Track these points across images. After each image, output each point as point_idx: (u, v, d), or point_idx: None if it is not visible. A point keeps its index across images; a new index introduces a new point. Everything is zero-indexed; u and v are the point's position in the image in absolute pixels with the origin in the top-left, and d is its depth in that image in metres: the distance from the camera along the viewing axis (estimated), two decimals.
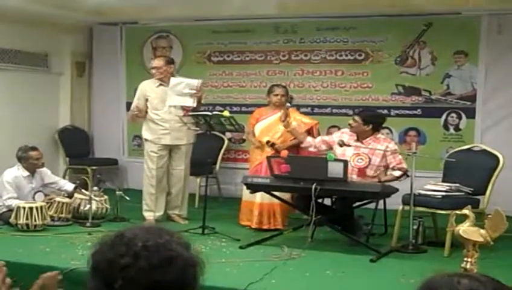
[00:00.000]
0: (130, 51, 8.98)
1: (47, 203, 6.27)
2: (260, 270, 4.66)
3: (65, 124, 8.93)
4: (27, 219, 5.94)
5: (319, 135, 6.58)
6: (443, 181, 5.84)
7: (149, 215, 6.53)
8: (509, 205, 5.81)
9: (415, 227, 5.65)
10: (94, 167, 8.45)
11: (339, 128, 7.07)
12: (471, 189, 5.65)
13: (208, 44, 8.59)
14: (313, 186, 5.20)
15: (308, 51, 8.16)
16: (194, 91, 6.35)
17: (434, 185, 5.70)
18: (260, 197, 6.26)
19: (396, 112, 7.79)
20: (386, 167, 5.87)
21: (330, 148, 6.00)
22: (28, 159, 6.41)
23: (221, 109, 7.71)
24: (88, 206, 6.35)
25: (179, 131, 6.49)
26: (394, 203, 5.78)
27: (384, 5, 7.44)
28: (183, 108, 6.43)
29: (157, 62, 6.62)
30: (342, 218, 5.80)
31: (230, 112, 6.60)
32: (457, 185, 5.63)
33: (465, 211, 4.51)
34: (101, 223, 6.33)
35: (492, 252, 4.95)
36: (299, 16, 8.05)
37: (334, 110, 8.06)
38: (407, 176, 5.70)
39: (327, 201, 6.04)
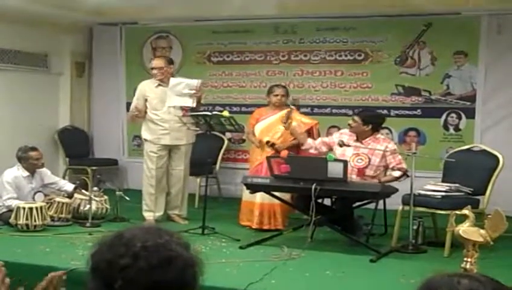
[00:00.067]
0: (130, 51, 8.98)
1: (47, 203, 6.27)
2: (260, 271, 4.66)
3: (65, 124, 8.93)
4: (27, 219, 5.94)
5: (319, 135, 6.58)
6: (443, 181, 5.85)
7: (149, 216, 6.53)
8: (509, 205, 5.81)
9: (415, 227, 5.65)
10: (94, 167, 8.45)
11: (339, 129, 7.08)
12: (471, 189, 5.65)
13: (207, 44, 8.59)
14: (313, 187, 5.20)
15: (307, 51, 8.16)
16: (193, 91, 6.35)
17: (434, 185, 5.70)
18: (260, 197, 6.26)
19: (396, 112, 7.79)
20: (386, 167, 5.87)
21: (330, 149, 6.00)
22: (28, 160, 6.41)
23: (221, 109, 7.71)
24: (88, 206, 6.35)
25: (178, 131, 6.49)
26: (394, 203, 5.79)
27: (384, 5, 7.45)
28: (182, 108, 6.43)
29: (159, 62, 6.61)
30: (342, 218, 5.80)
31: (230, 112, 6.60)
32: (457, 185, 5.63)
33: (465, 211, 4.51)
34: (101, 224, 6.33)
35: (492, 252, 4.95)
36: (299, 16, 8.05)
37: (334, 111, 8.06)
38: (407, 176, 5.70)
39: (327, 201, 6.04)
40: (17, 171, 6.40)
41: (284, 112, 6.39)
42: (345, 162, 5.35)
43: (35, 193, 6.40)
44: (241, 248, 5.53)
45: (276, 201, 6.07)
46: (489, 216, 4.53)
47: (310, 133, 6.43)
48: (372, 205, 5.68)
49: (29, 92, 8.32)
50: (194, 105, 6.38)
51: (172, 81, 6.41)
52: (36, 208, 6.00)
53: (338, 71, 8.06)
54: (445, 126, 7.65)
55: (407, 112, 7.78)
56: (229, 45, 8.50)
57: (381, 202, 5.77)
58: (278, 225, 6.34)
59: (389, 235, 5.85)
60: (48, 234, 5.91)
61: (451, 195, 5.56)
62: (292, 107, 6.30)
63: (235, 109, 8.27)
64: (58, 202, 6.37)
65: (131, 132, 8.80)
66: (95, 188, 6.62)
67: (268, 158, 5.75)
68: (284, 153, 6.06)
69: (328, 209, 5.91)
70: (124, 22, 8.93)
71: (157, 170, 6.53)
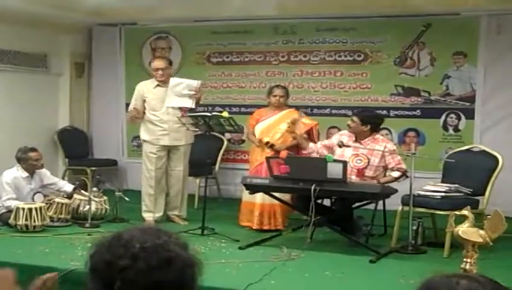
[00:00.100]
0: (129, 52, 8.98)
1: (46, 204, 6.27)
2: (259, 271, 4.66)
3: (64, 124, 8.93)
4: (26, 219, 5.94)
5: (318, 135, 6.59)
6: (442, 182, 5.85)
7: (148, 216, 6.53)
8: (509, 206, 5.81)
9: (415, 228, 5.65)
10: (93, 168, 8.45)
11: (339, 130, 7.09)
12: (471, 190, 5.65)
13: (207, 45, 8.59)
14: (312, 187, 5.20)
15: (307, 51, 8.17)
16: (193, 92, 6.36)
17: (433, 186, 5.70)
18: (261, 197, 6.26)
19: (396, 112, 7.79)
20: (385, 168, 5.87)
21: (331, 151, 6.00)
22: (28, 160, 6.41)
23: (221, 109, 7.72)
24: (87, 207, 6.35)
25: (177, 132, 6.49)
26: (393, 203, 5.79)
27: (383, 6, 7.44)
28: (180, 108, 6.43)
29: (162, 63, 6.61)
30: (342, 219, 5.80)
31: (230, 113, 6.60)
32: (456, 185, 5.63)
33: (465, 212, 4.51)
34: (100, 224, 6.33)
35: (492, 253, 4.95)
36: (299, 16, 8.05)
37: (334, 111, 8.06)
38: (406, 176, 5.71)
39: (326, 202, 6.04)
40: (17, 172, 6.39)
41: (294, 116, 6.39)
42: (345, 163, 5.35)
43: (34, 194, 6.40)
44: (240, 248, 5.53)
45: (276, 201, 6.07)
46: (488, 217, 4.53)
47: (309, 133, 6.43)
48: (371, 206, 5.68)
49: (29, 92, 8.31)
50: (193, 106, 6.39)
51: (173, 81, 6.41)
52: (35, 208, 6.00)
53: (337, 72, 8.06)
54: (445, 127, 7.65)
55: (406, 113, 7.78)
56: (228, 46, 8.50)
57: (380, 202, 5.77)
58: (278, 225, 6.34)
59: (389, 235, 5.85)
60: (47, 234, 5.91)
61: (450, 195, 5.56)
62: (302, 114, 6.33)
63: (234, 109, 8.27)
64: (58, 203, 6.36)
65: (131, 133, 8.79)
66: (95, 189, 6.61)
67: (267, 159, 5.75)
68: (284, 154, 6.07)
69: (328, 210, 5.90)
70: (124, 23, 8.93)
71: (157, 171, 6.53)
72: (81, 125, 9.16)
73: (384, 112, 7.52)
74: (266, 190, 5.83)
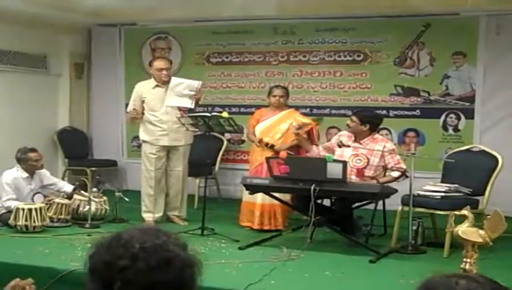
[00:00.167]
0: (129, 52, 8.98)
1: (46, 204, 6.27)
2: (259, 271, 4.66)
3: (64, 125, 8.93)
4: (26, 220, 5.94)
5: (318, 136, 6.59)
6: (442, 182, 5.85)
7: (148, 217, 6.53)
8: (508, 206, 5.81)
9: (414, 228, 5.65)
10: (93, 168, 8.45)
11: (339, 130, 7.10)
12: (470, 190, 5.65)
13: (206, 45, 8.59)
14: (312, 187, 5.20)
15: (306, 51, 8.17)
16: (193, 92, 6.36)
17: (433, 186, 5.70)
18: (261, 198, 6.26)
19: (395, 112, 7.80)
20: (385, 168, 5.87)
21: (333, 153, 6.00)
22: (27, 161, 6.41)
23: (220, 110, 7.73)
24: (87, 207, 6.35)
25: (176, 132, 6.49)
26: (393, 203, 5.79)
27: (383, 6, 7.45)
28: (179, 108, 6.44)
29: (165, 63, 6.61)
30: (341, 219, 5.80)
31: (229, 113, 6.61)
32: (456, 185, 5.63)
33: (464, 212, 4.51)
34: (100, 225, 6.33)
35: (492, 253, 4.95)
36: (298, 17, 8.05)
37: (333, 111, 8.06)
38: (406, 176, 5.70)
39: (326, 202, 6.05)
40: (17, 173, 6.39)
41: (295, 116, 6.38)
42: (344, 163, 5.35)
43: (34, 194, 6.40)
44: (240, 248, 5.52)
45: (277, 202, 6.07)
46: (488, 217, 4.53)
47: (309, 134, 6.43)
48: (371, 206, 5.68)
49: (28, 93, 8.31)
50: (193, 106, 6.39)
51: (174, 81, 6.41)
52: (35, 209, 6.00)
53: (337, 72, 8.06)
54: (445, 127, 7.65)
55: (406, 113, 7.79)
56: (228, 46, 8.50)
57: (380, 202, 5.77)
58: (279, 225, 6.35)
59: (389, 235, 5.85)
60: (47, 235, 5.91)
61: (450, 195, 5.56)
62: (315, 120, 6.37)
63: (234, 109, 8.27)
64: (58, 203, 6.36)
65: (131, 133, 8.79)
66: (94, 189, 6.62)
67: (267, 159, 5.75)
68: (283, 154, 6.06)
69: (328, 210, 5.91)
70: (123, 23, 8.93)
71: (156, 171, 6.53)
72: (80, 125, 9.16)
73: (384, 112, 7.52)
74: (266, 190, 5.83)
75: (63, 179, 7.83)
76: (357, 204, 5.71)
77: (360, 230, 5.85)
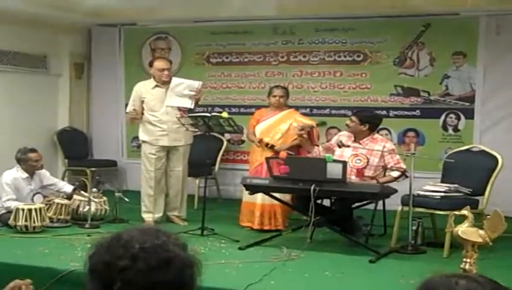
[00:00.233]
0: (129, 53, 8.98)
1: (46, 204, 6.27)
2: (259, 271, 4.66)
3: (64, 125, 8.93)
4: (26, 220, 5.94)
5: (318, 136, 6.59)
6: (442, 182, 5.85)
7: (148, 217, 6.52)
8: (508, 206, 5.81)
9: (414, 228, 5.65)
10: (93, 169, 8.45)
11: (339, 130, 7.10)
12: (470, 190, 5.65)
13: (206, 45, 8.59)
14: (312, 187, 5.20)
15: (306, 52, 8.17)
16: (193, 93, 6.37)
17: (433, 186, 5.70)
18: (261, 198, 6.27)
19: (395, 112, 7.80)
20: (385, 168, 5.87)
21: (333, 153, 6.00)
22: (27, 161, 6.41)
23: (220, 110, 7.73)
24: (87, 207, 6.35)
25: (176, 132, 6.49)
26: (393, 203, 5.79)
27: (383, 6, 7.44)
28: (179, 109, 6.44)
29: (166, 63, 6.62)
30: (341, 219, 5.80)
31: (229, 113, 6.60)
32: (456, 185, 5.63)
33: (464, 212, 4.51)
34: (100, 225, 6.33)
35: (491, 253, 4.95)
36: (298, 17, 8.05)
37: (333, 111, 8.06)
38: (406, 176, 5.70)
39: (326, 202, 6.05)
40: (16, 173, 6.40)
41: (308, 123, 6.37)
42: (344, 163, 5.35)
43: (34, 195, 6.40)
44: (240, 248, 5.52)
45: (277, 202, 6.07)
46: (488, 217, 4.53)
47: (309, 134, 6.43)
48: (371, 206, 5.68)
49: (28, 93, 8.32)
50: (192, 106, 6.39)
51: (175, 81, 6.42)
52: (35, 209, 6.00)
53: (337, 72, 8.06)
54: (444, 127, 7.65)
55: (406, 113, 7.79)
56: (228, 46, 8.50)
57: (380, 202, 5.77)
58: (279, 225, 6.35)
59: (389, 235, 5.85)
60: (47, 235, 5.91)
61: (450, 195, 5.56)
62: (314, 125, 6.33)
63: (234, 110, 8.27)
64: (57, 204, 6.36)
65: (130, 133, 8.79)
66: (94, 190, 6.62)
67: (267, 159, 5.75)
68: (283, 154, 6.06)
69: (327, 210, 5.91)
70: (123, 23, 8.93)
71: (156, 171, 6.53)
72: (80, 126, 9.16)
73: (384, 112, 7.52)
74: (266, 190, 5.83)
75: (62, 179, 7.83)
76: (357, 204, 5.71)
77: (360, 230, 5.85)
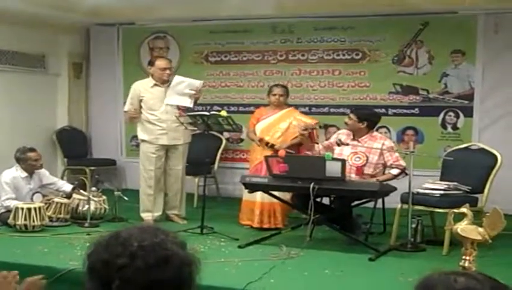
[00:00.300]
0: (127, 52, 8.98)
1: (45, 204, 6.27)
2: (259, 270, 4.66)
3: (63, 124, 8.92)
4: (25, 219, 5.94)
5: (317, 135, 6.59)
6: (441, 180, 5.85)
7: (147, 216, 6.52)
8: (507, 203, 5.82)
9: (414, 226, 5.66)
10: (92, 168, 8.46)
11: (338, 128, 7.10)
12: (469, 187, 5.65)
13: (205, 44, 8.59)
14: (311, 186, 5.20)
15: (305, 50, 8.17)
16: (193, 92, 6.37)
17: (432, 184, 5.70)
18: (261, 196, 6.27)
19: (394, 111, 7.80)
20: (385, 165, 5.87)
21: (332, 151, 6.00)
22: (27, 160, 6.41)
23: (219, 108, 7.71)
24: (86, 206, 6.35)
25: (175, 131, 6.49)
26: (393, 202, 5.79)
27: (382, 5, 7.44)
28: (178, 107, 6.44)
29: (166, 63, 6.62)
30: (341, 217, 5.80)
31: (228, 112, 6.59)
32: (455, 183, 5.63)
33: (463, 210, 4.52)
34: (99, 224, 6.33)
35: (491, 251, 4.96)
36: (297, 15, 8.05)
37: (332, 110, 8.06)
38: (406, 174, 5.70)
39: (325, 200, 6.05)
40: (16, 172, 6.40)
41: (309, 122, 6.36)
42: (343, 161, 5.35)
43: (33, 194, 6.40)
44: (239, 247, 5.53)
45: (276, 200, 6.07)
46: (487, 214, 4.54)
47: (310, 133, 6.42)
48: (370, 204, 5.68)
49: (27, 93, 8.31)
50: (192, 106, 6.39)
51: (176, 79, 6.42)
52: (34, 208, 6.00)
53: (336, 70, 8.06)
54: (443, 125, 7.65)
55: (405, 111, 7.79)
56: (226, 45, 8.50)
57: (380, 200, 5.77)
58: (278, 223, 6.35)
59: (388, 233, 5.86)
60: (47, 234, 5.91)
61: (449, 193, 5.57)
62: (315, 126, 6.32)
63: (232, 108, 8.27)
64: (57, 203, 6.36)
65: (129, 132, 8.79)
66: (94, 189, 6.62)
67: (266, 157, 5.75)
68: (282, 153, 6.06)
69: (327, 208, 5.91)
70: (121, 23, 8.93)
71: (156, 170, 6.52)
72: (79, 125, 9.16)
73: (383, 111, 7.53)
74: (265, 188, 5.83)
75: (62, 178, 7.82)
76: (356, 202, 5.70)
77: (360, 228, 5.85)
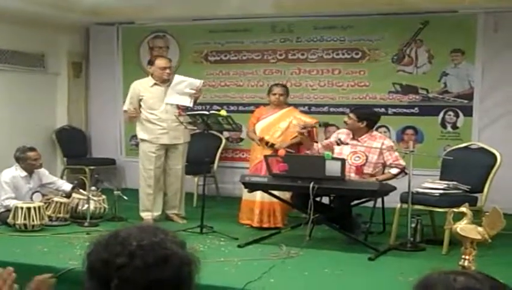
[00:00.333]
0: (127, 51, 8.98)
1: (45, 203, 6.27)
2: (258, 269, 4.66)
3: (62, 124, 8.92)
4: (25, 219, 5.94)
5: (317, 134, 6.59)
6: (441, 179, 5.85)
7: (146, 215, 6.52)
8: (507, 203, 5.83)
9: (413, 225, 5.65)
10: (92, 167, 8.46)
11: (337, 127, 7.10)
12: (469, 187, 5.65)
13: (204, 44, 8.59)
14: (311, 185, 5.20)
15: (305, 50, 8.16)
16: (193, 91, 6.37)
17: (432, 183, 5.70)
18: (260, 196, 6.27)
19: (394, 110, 7.80)
20: (384, 165, 5.87)
21: (332, 150, 6.00)
22: (26, 160, 6.41)
23: (219, 108, 7.70)
24: (86, 206, 6.35)
25: (175, 130, 6.50)
26: (392, 201, 5.79)
27: (381, 4, 7.44)
28: (177, 107, 6.44)
29: (166, 62, 6.62)
30: (340, 216, 5.80)
31: (228, 111, 6.58)
32: (454, 183, 5.63)
33: (463, 209, 4.52)
34: (99, 223, 6.33)
35: (490, 250, 4.96)
36: (296, 15, 8.05)
37: (332, 109, 8.07)
38: (406, 173, 5.70)
39: (325, 200, 6.05)
40: (15, 171, 6.39)
41: (309, 121, 6.36)
42: (343, 161, 5.35)
43: (33, 193, 6.40)
44: (239, 246, 5.53)
45: (276, 199, 6.07)
46: (487, 214, 4.54)
47: (309, 132, 6.42)
48: (370, 203, 5.68)
49: (27, 92, 8.31)
50: (192, 105, 6.39)
51: (177, 78, 6.42)
52: (34, 208, 6.00)
53: (335, 70, 8.06)
54: (443, 124, 7.65)
55: (404, 110, 7.79)
56: (226, 44, 8.49)
57: (379, 200, 5.77)
58: (278, 223, 6.35)
59: (387, 233, 5.86)
60: (46, 233, 5.91)
61: (449, 193, 5.57)
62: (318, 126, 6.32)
63: (232, 108, 8.27)
64: (56, 202, 6.36)
65: (129, 132, 8.78)
66: (93, 188, 6.62)
67: (266, 157, 5.75)
68: (282, 152, 6.06)
69: (326, 208, 5.91)
70: (121, 22, 8.93)
71: (156, 170, 6.52)
72: (79, 124, 9.16)
73: (382, 110, 7.53)
74: (265, 188, 5.83)
75: (61, 177, 7.82)
76: (355, 202, 5.70)
77: (359, 228, 5.85)
